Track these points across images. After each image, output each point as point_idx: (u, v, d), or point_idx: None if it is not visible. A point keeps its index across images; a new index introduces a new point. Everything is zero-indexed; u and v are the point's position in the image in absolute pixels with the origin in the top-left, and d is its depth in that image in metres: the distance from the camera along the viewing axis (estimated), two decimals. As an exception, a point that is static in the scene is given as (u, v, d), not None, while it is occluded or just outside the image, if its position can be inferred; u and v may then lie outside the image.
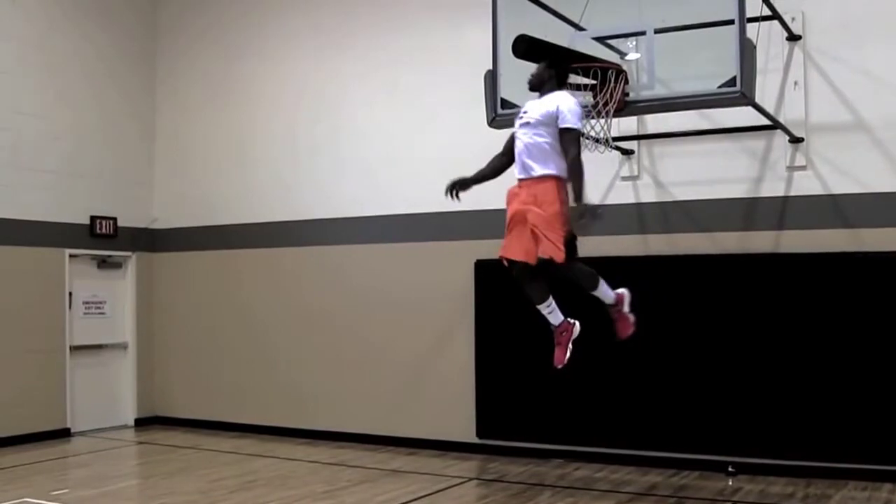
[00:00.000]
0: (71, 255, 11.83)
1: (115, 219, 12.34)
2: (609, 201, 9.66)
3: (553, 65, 6.59)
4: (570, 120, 6.27)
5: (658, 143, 9.52)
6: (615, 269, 9.36)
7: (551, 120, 6.34)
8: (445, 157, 10.57)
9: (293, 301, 11.61)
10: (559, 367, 6.70)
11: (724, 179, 9.21)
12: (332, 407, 11.21)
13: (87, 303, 12.15)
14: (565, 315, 6.77)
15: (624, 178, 9.72)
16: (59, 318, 11.67)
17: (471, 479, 9.03)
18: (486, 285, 10.17)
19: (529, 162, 6.40)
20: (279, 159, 11.89)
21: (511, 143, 6.71)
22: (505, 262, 6.61)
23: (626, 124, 9.01)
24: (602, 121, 7.91)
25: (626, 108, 7.67)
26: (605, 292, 6.67)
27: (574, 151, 6.25)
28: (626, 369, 9.38)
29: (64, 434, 11.63)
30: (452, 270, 10.41)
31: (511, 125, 8.43)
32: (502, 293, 10.00)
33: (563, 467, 9.41)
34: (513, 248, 6.48)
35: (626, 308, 6.77)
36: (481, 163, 10.15)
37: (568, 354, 6.72)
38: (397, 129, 10.99)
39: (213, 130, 12.50)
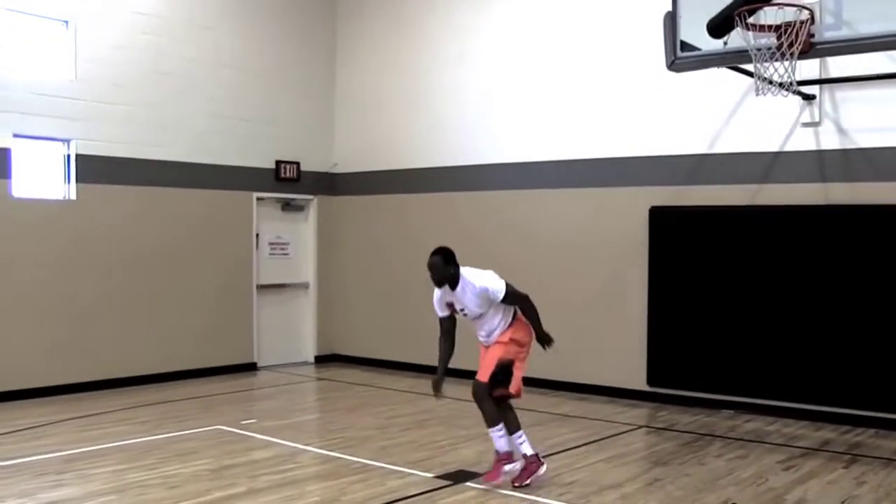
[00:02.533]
0: (258, 198, 12.44)
1: (298, 163, 12.85)
2: (787, 148, 9.33)
3: (448, 259, 6.73)
4: (500, 289, 6.71)
5: (841, 87, 9.07)
6: (794, 218, 9.14)
7: (488, 302, 6.73)
8: (621, 102, 10.49)
9: (465, 245, 11.71)
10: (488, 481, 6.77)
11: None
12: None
13: (272, 244, 12.77)
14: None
15: (805, 125, 9.32)
16: (248, 258, 12.34)
17: (640, 427, 9.03)
18: (660, 233, 10.06)
19: (492, 335, 6.90)
20: (454, 106, 12.03)
21: (450, 325, 6.98)
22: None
23: (806, 68, 8.61)
24: (785, 63, 7.62)
25: (811, 49, 7.37)
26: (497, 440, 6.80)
27: (521, 303, 6.87)
28: (802, 321, 9.12)
29: (251, 368, 12.36)
30: (627, 217, 10.33)
31: (690, 69, 8.28)
32: (677, 241, 9.91)
33: (733, 419, 9.27)
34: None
35: (505, 470, 6.75)
36: (656, 108, 10.08)
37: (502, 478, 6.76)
38: (571, 74, 10.89)
39: (389, 80, 12.77)
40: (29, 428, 8.60)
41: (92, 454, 7.59)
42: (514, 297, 6.80)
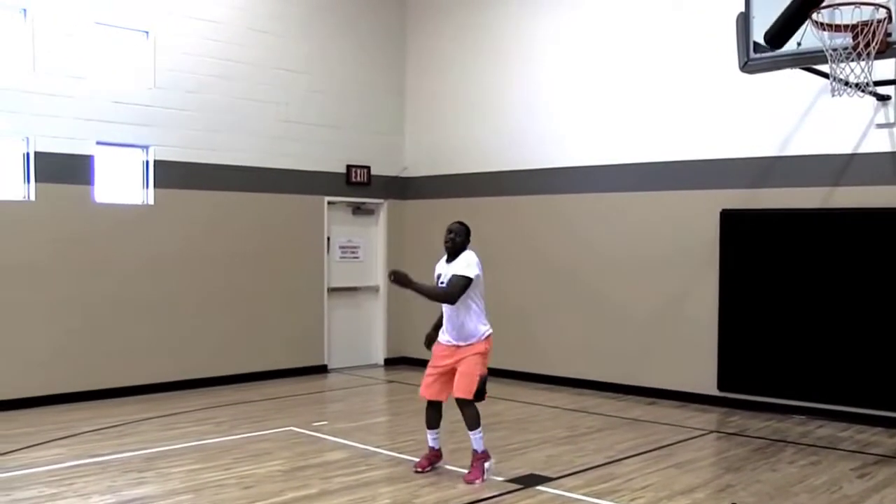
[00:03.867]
0: (329, 202, 12.62)
1: (368, 167, 13.00)
2: (862, 150, 9.18)
3: (468, 232, 7.15)
4: (461, 271, 6.97)
5: (918, 88, 8.89)
6: (867, 221, 8.97)
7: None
8: (692, 104, 10.42)
9: (533, 248, 11.82)
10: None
11: None
12: (573, 354, 11.38)
13: (342, 247, 12.94)
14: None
15: (879, 126, 9.14)
16: (319, 261, 12.52)
17: (711, 432, 8.96)
18: (731, 236, 9.97)
19: (464, 335, 7.07)
20: (522, 110, 12.06)
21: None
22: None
23: (881, 68, 8.43)
24: (861, 63, 7.51)
25: (888, 49, 7.26)
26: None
27: (450, 289, 6.95)
28: (875, 327, 8.96)
29: (322, 370, 12.55)
30: (697, 220, 10.25)
31: (763, 70, 8.22)
32: (749, 244, 9.82)
33: (805, 424, 9.15)
34: None
35: (487, 468, 7.02)
36: (732, 109, 9.99)
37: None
38: (641, 76, 10.85)
39: (459, 85, 12.86)
40: (114, 426, 8.87)
41: (171, 453, 7.80)
42: (455, 281, 6.94)
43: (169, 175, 10.88)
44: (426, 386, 7.20)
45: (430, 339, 7.33)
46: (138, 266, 10.65)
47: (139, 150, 10.74)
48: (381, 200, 13.29)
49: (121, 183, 10.66)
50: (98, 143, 10.31)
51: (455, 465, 7.33)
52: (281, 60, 11.99)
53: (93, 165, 10.28)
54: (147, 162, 10.78)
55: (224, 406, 10.05)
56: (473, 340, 7.05)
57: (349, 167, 12.80)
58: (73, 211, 10.12)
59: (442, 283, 7.06)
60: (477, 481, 6.88)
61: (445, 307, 7.07)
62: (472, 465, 7.03)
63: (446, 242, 7.09)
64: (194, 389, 10.93)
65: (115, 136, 10.44)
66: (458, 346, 7.08)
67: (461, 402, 7.03)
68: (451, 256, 7.09)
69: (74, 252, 10.13)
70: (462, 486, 6.81)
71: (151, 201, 10.78)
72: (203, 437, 8.47)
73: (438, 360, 7.17)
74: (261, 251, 11.82)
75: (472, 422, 7.01)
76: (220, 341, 11.39)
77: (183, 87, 11.00)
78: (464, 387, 6.96)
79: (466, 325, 7.04)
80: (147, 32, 10.72)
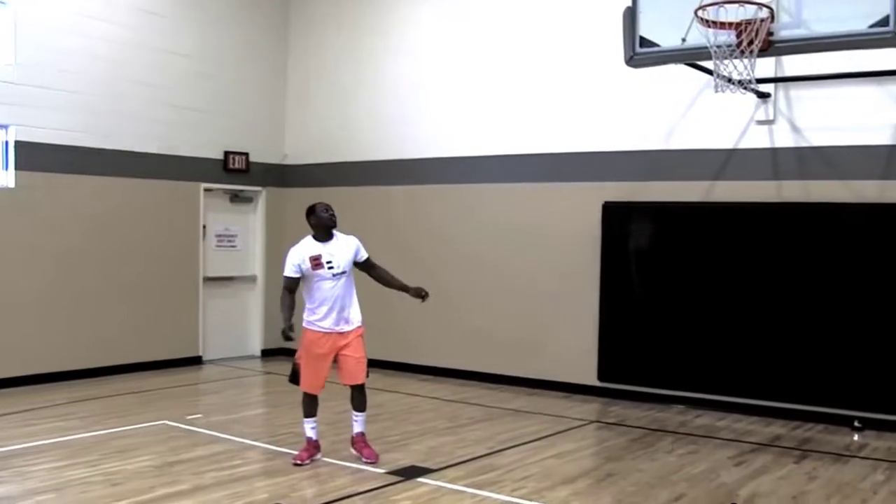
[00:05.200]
0: (205, 189, 12.20)
1: (247, 154, 12.63)
2: (742, 146, 9.38)
3: None
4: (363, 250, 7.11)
5: (796, 86, 9.12)
6: (747, 215, 9.18)
7: (351, 262, 7.04)
8: (578, 97, 10.47)
9: (410, 240, 11.67)
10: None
11: (865, 126, 8.76)
12: (454, 346, 11.31)
13: (219, 236, 12.54)
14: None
15: (759, 122, 9.36)
16: (194, 249, 12.09)
17: (592, 422, 9.01)
18: (613, 228, 10.05)
19: (347, 315, 7.03)
20: (407, 99, 11.92)
21: (297, 287, 7.00)
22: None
23: (762, 66, 8.60)
24: (744, 61, 7.62)
25: (770, 47, 7.39)
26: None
27: (379, 268, 7.22)
28: (751, 318, 9.18)
29: (196, 362, 12.14)
30: (580, 212, 10.30)
31: (648, 65, 8.26)
32: (630, 237, 9.92)
33: (684, 414, 9.30)
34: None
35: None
36: (617, 103, 10.06)
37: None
38: (528, 68, 10.83)
39: (341, 72, 12.60)
40: (-36, 423, 8.33)
41: (30, 451, 7.33)
42: (371, 261, 7.14)
43: (33, 157, 10.25)
44: (316, 377, 6.97)
45: (291, 330, 6.96)
46: (-3, 252, 10.03)
47: (-3, 128, 10.12)
48: (259, 188, 12.92)
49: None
50: (-51, 119, 9.64)
51: (334, 458, 7.13)
52: (157, 41, 11.50)
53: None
54: (6, 142, 10.13)
55: (90, 400, 9.56)
56: (357, 323, 7.03)
57: (227, 153, 12.40)
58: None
59: (332, 266, 6.89)
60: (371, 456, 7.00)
61: (333, 292, 6.90)
62: (367, 446, 7.06)
63: (331, 219, 6.95)
64: (57, 383, 10.33)
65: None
66: (342, 332, 6.95)
67: (359, 388, 7.03)
68: (329, 237, 6.96)
69: (-74, 236, 9.48)
70: (341, 479, 6.62)
71: (11, 184, 10.14)
72: (67, 433, 8.00)
73: (318, 347, 6.95)
74: (133, 239, 11.32)
75: (364, 403, 7.08)
76: (87, 333, 10.84)
77: (49, 65, 10.38)
78: (361, 371, 7.00)
79: (353, 308, 7.01)
80: (3, 2, 10.03)
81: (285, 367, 11.92)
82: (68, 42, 10.55)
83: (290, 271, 6.94)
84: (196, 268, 12.12)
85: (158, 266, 11.61)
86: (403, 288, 7.21)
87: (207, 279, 12.30)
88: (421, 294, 7.13)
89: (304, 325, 7.00)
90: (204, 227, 12.22)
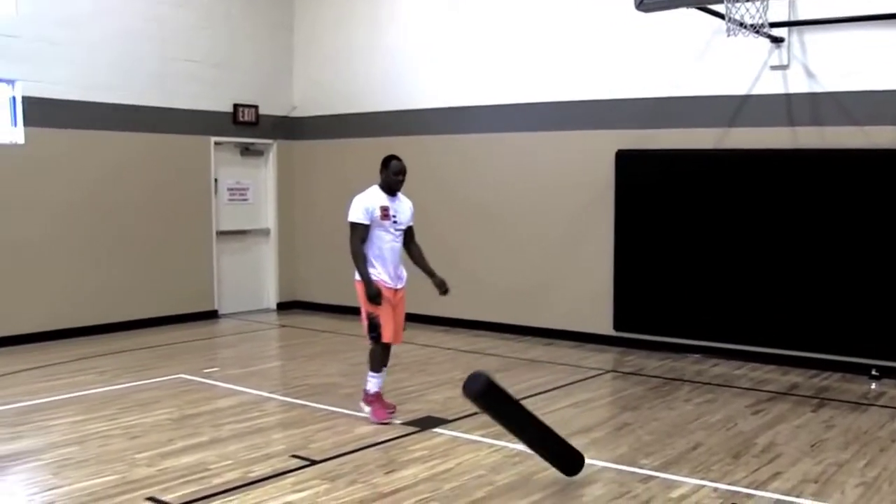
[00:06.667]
0: (216, 143, 12.13)
1: (256, 107, 12.53)
2: (756, 91, 9.23)
3: None
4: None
5: (810, 29, 8.93)
6: (761, 162, 9.08)
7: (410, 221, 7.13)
8: (588, 43, 10.33)
9: (429, 188, 11.59)
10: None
11: (881, 70, 8.58)
12: (470, 296, 11.28)
13: (231, 189, 12.49)
14: None
15: (773, 68, 9.18)
16: (206, 204, 12.06)
17: (608, 372, 9.00)
18: (627, 176, 9.95)
19: (400, 274, 7.06)
20: (415, 48, 11.77)
21: (368, 232, 6.87)
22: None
23: (775, 10, 8.47)
24: (757, 4, 7.49)
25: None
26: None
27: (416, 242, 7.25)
28: (768, 266, 9.11)
29: (212, 316, 12.16)
30: (593, 161, 10.20)
31: (659, 9, 8.13)
32: (644, 185, 9.83)
33: (700, 363, 9.28)
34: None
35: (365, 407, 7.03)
36: (628, 49, 9.93)
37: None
38: (537, 14, 10.66)
39: (348, 22, 12.44)
40: (-18, 379, 8.38)
41: (50, 405, 7.39)
42: (413, 232, 7.20)
43: (42, 113, 10.20)
44: (396, 326, 6.97)
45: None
46: (6, 210, 9.99)
47: (5, 84, 10.02)
48: (269, 141, 12.84)
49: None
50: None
51: (350, 410, 7.15)
52: (163, -8, 11.38)
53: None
54: (14, 98, 10.07)
55: (108, 355, 9.60)
56: (405, 280, 7.07)
57: (236, 106, 12.30)
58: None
59: (397, 221, 6.90)
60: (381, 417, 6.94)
61: (395, 250, 6.95)
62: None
63: (398, 184, 6.96)
64: (73, 339, 10.38)
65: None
66: (397, 289, 6.97)
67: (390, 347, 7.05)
68: (394, 193, 6.97)
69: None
70: (359, 430, 6.65)
71: (21, 140, 10.11)
72: (85, 387, 8.05)
73: (390, 302, 6.91)
74: (145, 194, 11.29)
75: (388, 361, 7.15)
76: (102, 288, 10.87)
77: (51, 18, 10.26)
78: (402, 333, 7.13)
79: (402, 267, 7.07)
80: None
81: (300, 321, 12.10)
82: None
83: (361, 217, 6.79)
84: (209, 222, 12.10)
85: (172, 221, 11.59)
86: (430, 272, 7.13)
87: (221, 233, 12.28)
88: (443, 287, 7.06)
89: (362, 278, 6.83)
90: (215, 180, 12.18)
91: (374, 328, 6.84)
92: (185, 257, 11.80)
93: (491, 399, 4.96)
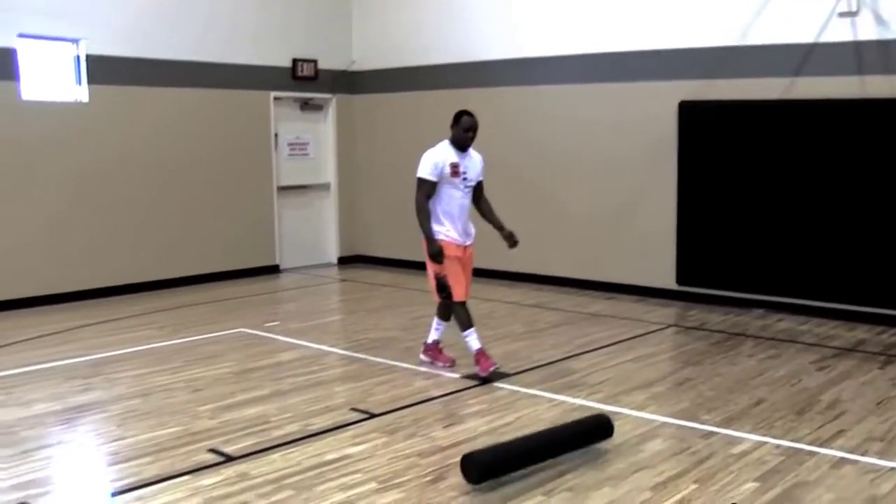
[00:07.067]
0: (275, 98, 12.14)
1: (315, 61, 12.50)
2: (823, 39, 8.92)
3: None
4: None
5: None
6: (829, 112, 8.80)
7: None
8: (650, -8, 10.07)
9: (494, 142, 11.48)
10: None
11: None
12: (532, 250, 11.18)
13: (291, 144, 12.53)
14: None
15: (841, 14, 8.81)
16: (267, 159, 12.12)
17: (670, 326, 8.90)
18: (690, 128, 9.75)
19: (469, 230, 7.03)
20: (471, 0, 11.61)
21: (435, 189, 6.78)
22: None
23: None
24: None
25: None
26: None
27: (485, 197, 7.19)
28: (834, 219, 8.87)
29: (273, 270, 12.28)
30: (654, 112, 9.99)
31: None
32: (707, 137, 9.62)
33: (764, 318, 9.11)
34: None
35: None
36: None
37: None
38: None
39: (409, -30, 12.31)
40: (54, 333, 8.57)
41: (117, 358, 7.56)
42: (483, 186, 7.09)
43: (104, 71, 10.31)
44: (466, 283, 6.95)
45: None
46: (73, 167, 10.15)
47: (69, 43, 10.14)
48: (329, 95, 12.82)
49: (52, 79, 10.06)
50: (20, 35, 9.65)
51: (409, 363, 7.19)
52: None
53: (16, 59, 9.63)
54: (78, 57, 10.19)
55: (171, 310, 9.76)
56: (473, 237, 7.06)
57: (295, 61, 12.29)
58: (-3, 108, 9.56)
59: (467, 177, 6.83)
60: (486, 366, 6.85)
61: (464, 207, 6.91)
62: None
63: (468, 141, 6.83)
64: (138, 294, 10.59)
65: (38, 28, 9.79)
66: (466, 246, 6.96)
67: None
68: (464, 149, 6.85)
69: (1, 153, 9.61)
70: (418, 384, 6.69)
71: (85, 99, 10.24)
72: (150, 341, 8.21)
73: (460, 260, 6.92)
74: (206, 150, 11.38)
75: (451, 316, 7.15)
76: (165, 244, 11.03)
77: (116, -24, 10.37)
78: (469, 289, 7.05)
79: (471, 223, 7.03)
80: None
81: (362, 275, 12.17)
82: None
83: (430, 173, 6.72)
84: (269, 177, 12.17)
85: (233, 176, 11.68)
86: (500, 226, 7.07)
87: (281, 188, 12.35)
88: (512, 239, 7.00)
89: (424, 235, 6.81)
90: (276, 135, 12.22)
91: (443, 288, 6.81)
92: (247, 212, 11.90)
93: (497, 464, 4.82)
